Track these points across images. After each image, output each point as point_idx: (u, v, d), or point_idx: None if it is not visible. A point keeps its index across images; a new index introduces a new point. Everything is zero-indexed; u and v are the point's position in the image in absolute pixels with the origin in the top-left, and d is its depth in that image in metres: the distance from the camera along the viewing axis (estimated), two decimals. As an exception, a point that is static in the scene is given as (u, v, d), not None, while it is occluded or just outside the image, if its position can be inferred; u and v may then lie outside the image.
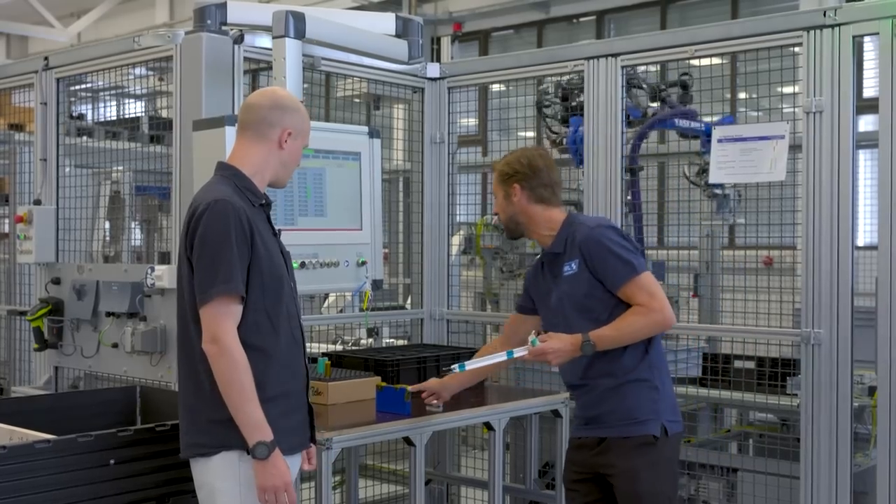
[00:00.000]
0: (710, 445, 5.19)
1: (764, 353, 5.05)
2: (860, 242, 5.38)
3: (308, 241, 4.15)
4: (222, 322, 2.92)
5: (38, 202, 5.08)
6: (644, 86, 5.32)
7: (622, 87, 4.82)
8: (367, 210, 4.39)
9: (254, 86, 5.10)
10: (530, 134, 5.75)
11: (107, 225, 6.10)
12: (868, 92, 6.42)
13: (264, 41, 4.46)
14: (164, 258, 5.12)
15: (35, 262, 5.02)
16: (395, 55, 4.91)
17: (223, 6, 4.31)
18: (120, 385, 4.42)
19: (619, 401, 3.54)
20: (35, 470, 3.11)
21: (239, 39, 4.37)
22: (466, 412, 4.15)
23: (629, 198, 4.95)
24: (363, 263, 4.35)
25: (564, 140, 5.40)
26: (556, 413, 4.42)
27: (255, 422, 2.92)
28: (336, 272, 4.27)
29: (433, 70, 5.47)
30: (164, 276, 4.18)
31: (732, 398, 5.10)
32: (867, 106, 4.98)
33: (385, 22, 4.93)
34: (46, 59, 5.15)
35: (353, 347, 5.94)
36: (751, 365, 5.09)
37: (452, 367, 3.70)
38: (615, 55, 4.82)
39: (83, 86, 5.59)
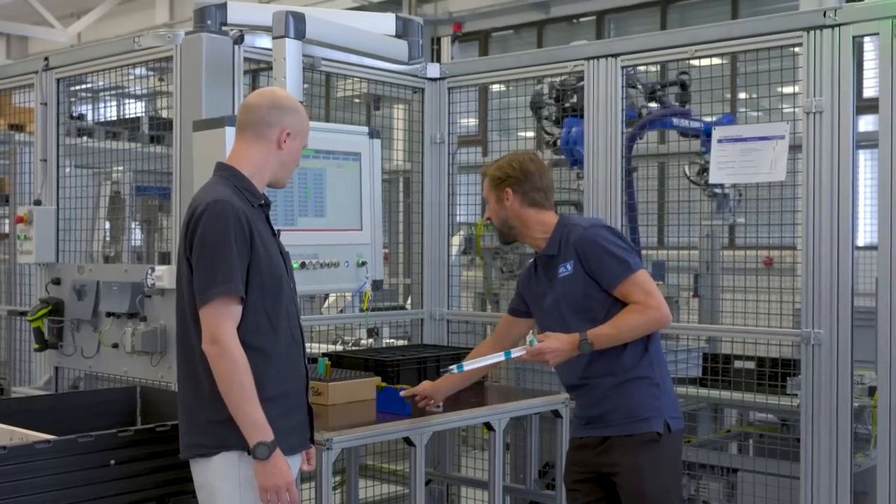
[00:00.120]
0: (710, 445, 5.19)
1: (764, 353, 5.05)
2: (860, 242, 5.37)
3: (308, 242, 4.15)
4: (222, 322, 2.92)
5: (38, 202, 5.08)
6: (638, 86, 5.31)
7: (622, 87, 4.82)
8: (367, 210, 4.39)
9: (254, 86, 5.10)
10: (530, 134, 5.76)
11: (107, 225, 6.10)
12: (868, 92, 6.42)
13: (264, 41, 4.46)
14: (165, 258, 5.13)
15: (35, 263, 5.03)
16: (395, 55, 4.92)
17: (223, 6, 4.31)
18: (120, 385, 4.43)
19: (620, 399, 3.54)
20: (35, 470, 3.11)
21: (239, 40, 4.37)
22: (466, 412, 4.15)
23: (625, 198, 4.94)
24: (363, 264, 4.35)
25: (559, 141, 5.40)
26: (556, 413, 4.42)
27: (255, 422, 2.92)
28: (336, 272, 4.27)
29: (433, 70, 5.47)
30: (165, 276, 4.18)
31: (732, 398, 5.10)
32: (867, 106, 4.98)
33: (385, 22, 4.93)
34: (46, 59, 5.15)
35: (354, 348, 5.95)
36: (751, 365, 5.08)
37: (451, 368, 3.71)
38: (615, 55, 4.82)
39: (83, 86, 5.59)
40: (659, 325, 3.55)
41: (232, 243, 2.94)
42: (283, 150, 3.16)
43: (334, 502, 4.58)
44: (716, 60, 4.97)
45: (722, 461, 4.97)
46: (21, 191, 6.00)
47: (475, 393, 4.41)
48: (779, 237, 4.74)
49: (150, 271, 4.25)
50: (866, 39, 4.37)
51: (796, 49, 4.43)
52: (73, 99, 5.68)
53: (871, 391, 4.64)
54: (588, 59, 4.90)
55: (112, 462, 3.29)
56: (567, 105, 5.33)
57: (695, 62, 5.08)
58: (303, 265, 4.09)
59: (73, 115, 6.05)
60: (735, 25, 4.97)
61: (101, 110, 6.59)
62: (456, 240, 5.92)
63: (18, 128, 6.46)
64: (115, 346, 4.45)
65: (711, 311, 6.28)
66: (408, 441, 3.87)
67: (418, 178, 5.59)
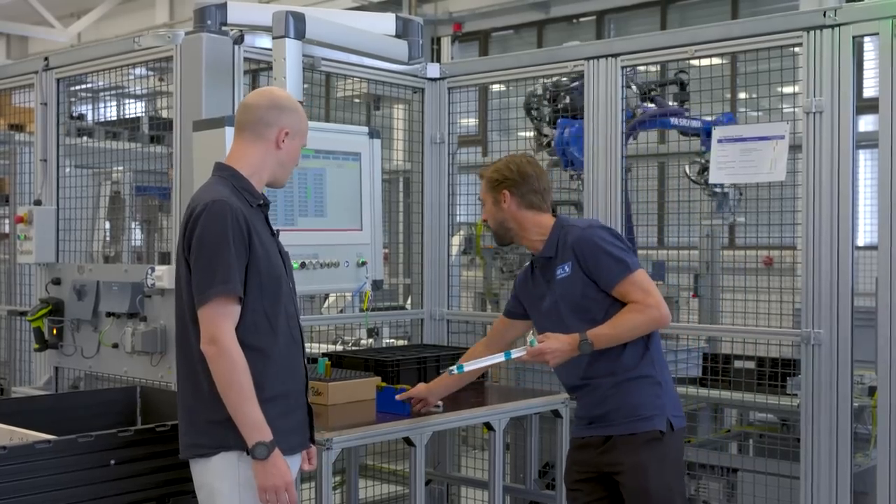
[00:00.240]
0: (710, 445, 5.19)
1: (764, 353, 5.05)
2: (860, 242, 5.38)
3: (308, 242, 4.15)
4: (220, 323, 2.92)
5: (38, 202, 5.08)
6: (633, 85, 5.30)
7: (622, 87, 4.82)
8: (367, 210, 4.39)
9: (254, 86, 5.09)
10: (530, 134, 5.76)
11: (107, 225, 6.11)
12: (868, 92, 6.42)
13: (264, 41, 4.46)
14: (165, 258, 5.12)
15: (35, 263, 5.03)
16: (395, 55, 4.92)
17: (223, 6, 4.31)
18: (120, 385, 4.43)
19: (622, 398, 3.54)
20: (35, 470, 3.11)
21: (239, 40, 4.37)
22: (466, 412, 4.15)
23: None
24: (363, 264, 4.35)
25: (553, 142, 5.39)
26: (556, 413, 4.42)
27: (253, 422, 2.92)
28: (336, 272, 4.27)
29: (433, 70, 5.47)
30: (165, 276, 4.19)
31: (732, 398, 5.10)
32: (867, 106, 4.98)
33: (385, 22, 4.93)
34: (46, 59, 5.15)
35: (353, 348, 5.95)
36: (751, 365, 5.08)
37: (451, 368, 3.70)
38: (615, 55, 4.82)
39: (83, 86, 5.59)
40: (658, 325, 3.54)
41: (230, 243, 2.94)
42: (282, 149, 3.16)
43: (334, 502, 4.58)
44: (716, 60, 4.97)
45: (722, 461, 4.97)
46: (21, 191, 6.00)
47: (475, 393, 4.41)
48: (779, 237, 4.74)
49: (150, 271, 4.26)
50: (866, 39, 4.37)
51: (796, 49, 4.43)
52: (73, 99, 5.68)
53: (871, 391, 4.64)
54: (588, 59, 4.90)
55: (112, 462, 3.29)
56: (560, 106, 5.33)
57: (695, 62, 5.08)
58: (303, 265, 4.09)
59: (73, 115, 6.06)
60: (735, 25, 4.97)
61: (101, 110, 6.59)
62: (456, 240, 5.92)
63: (18, 128, 6.46)
64: (115, 346, 4.45)
65: (711, 311, 6.28)
66: (408, 441, 3.87)
67: (418, 178, 5.59)
